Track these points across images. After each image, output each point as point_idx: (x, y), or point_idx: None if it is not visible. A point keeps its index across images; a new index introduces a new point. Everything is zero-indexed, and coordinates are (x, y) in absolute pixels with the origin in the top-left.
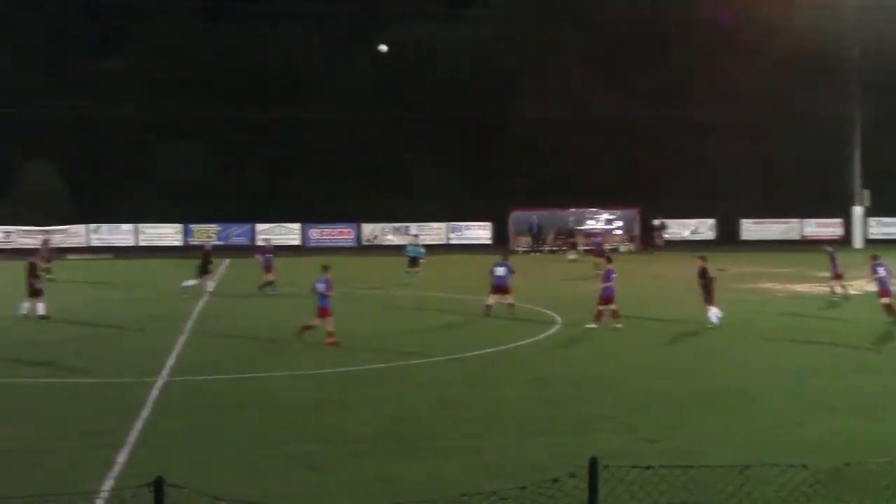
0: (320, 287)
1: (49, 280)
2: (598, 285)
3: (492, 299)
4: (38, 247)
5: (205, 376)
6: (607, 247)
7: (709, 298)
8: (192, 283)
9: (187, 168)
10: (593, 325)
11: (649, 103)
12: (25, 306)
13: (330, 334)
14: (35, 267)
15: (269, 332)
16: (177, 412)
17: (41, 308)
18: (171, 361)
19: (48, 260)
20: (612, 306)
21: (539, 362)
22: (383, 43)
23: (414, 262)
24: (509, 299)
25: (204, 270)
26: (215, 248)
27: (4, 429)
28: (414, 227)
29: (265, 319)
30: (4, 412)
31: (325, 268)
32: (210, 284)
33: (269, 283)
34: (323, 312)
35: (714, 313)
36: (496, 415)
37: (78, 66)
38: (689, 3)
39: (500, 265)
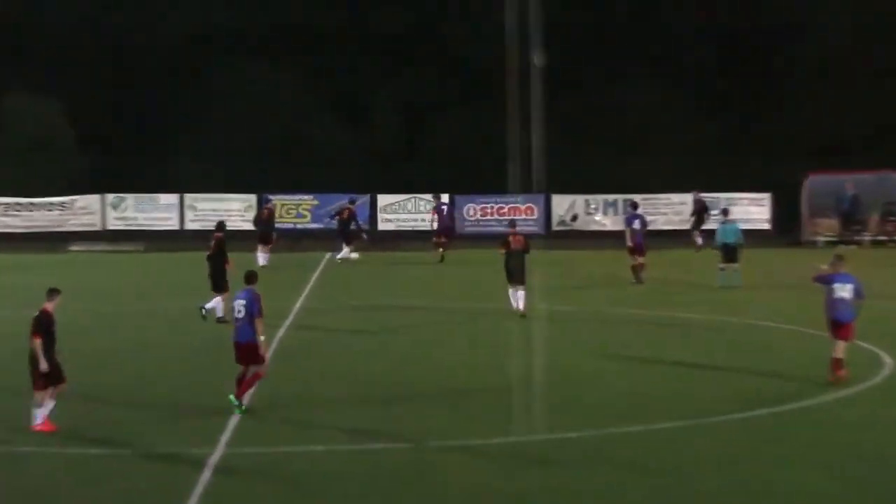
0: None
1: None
2: None
3: None
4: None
5: (279, 447)
6: None
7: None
8: None
9: (263, 105)
10: None
11: None
12: (220, 304)
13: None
14: (226, 255)
15: (374, 373)
16: None
17: (220, 308)
18: (233, 422)
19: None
20: None
21: (855, 430)
22: None
23: (731, 252)
24: None
25: None
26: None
27: None
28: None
29: (369, 354)
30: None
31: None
32: None
33: None
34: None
35: None
36: None
37: None
38: None
39: None
